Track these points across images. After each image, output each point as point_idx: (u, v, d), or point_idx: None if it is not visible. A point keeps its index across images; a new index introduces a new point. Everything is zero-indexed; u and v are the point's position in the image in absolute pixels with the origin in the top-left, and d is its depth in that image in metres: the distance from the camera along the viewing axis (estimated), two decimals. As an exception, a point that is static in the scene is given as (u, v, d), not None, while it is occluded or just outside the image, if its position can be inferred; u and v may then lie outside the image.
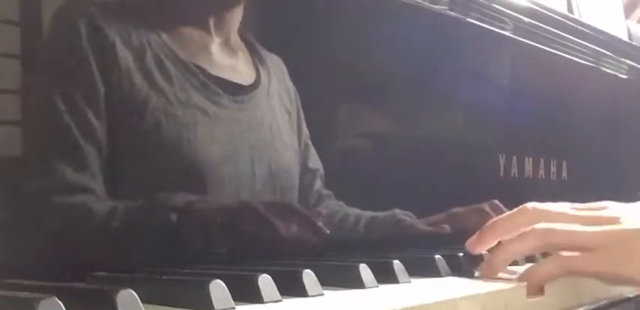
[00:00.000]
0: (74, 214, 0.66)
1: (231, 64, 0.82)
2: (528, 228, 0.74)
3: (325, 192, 0.88)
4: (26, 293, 0.48)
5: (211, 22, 0.80)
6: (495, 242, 0.77)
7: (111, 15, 0.70)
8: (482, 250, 0.78)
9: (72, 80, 0.67)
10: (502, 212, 0.92)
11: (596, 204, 0.79)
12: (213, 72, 0.78)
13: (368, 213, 0.92)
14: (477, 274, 0.75)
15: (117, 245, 0.68)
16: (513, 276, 0.73)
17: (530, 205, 0.77)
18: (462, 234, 0.85)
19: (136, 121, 0.70)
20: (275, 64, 0.85)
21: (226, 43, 0.82)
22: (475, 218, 1.02)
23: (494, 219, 0.78)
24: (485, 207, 1.05)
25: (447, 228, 1.00)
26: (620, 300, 0.85)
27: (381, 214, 0.93)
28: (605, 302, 0.82)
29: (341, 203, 0.89)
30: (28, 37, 0.63)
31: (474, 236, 0.78)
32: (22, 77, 0.63)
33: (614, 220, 0.73)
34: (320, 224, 0.82)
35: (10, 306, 0.45)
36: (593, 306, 0.78)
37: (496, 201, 1.05)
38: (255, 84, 0.83)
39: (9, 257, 0.60)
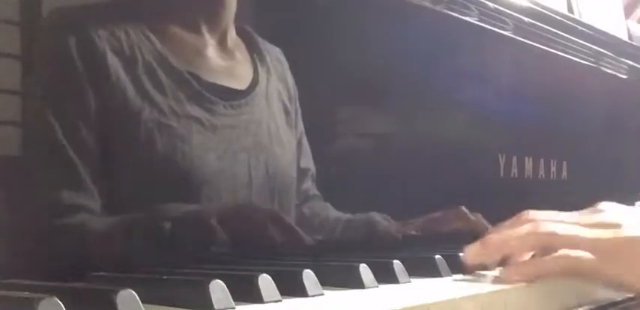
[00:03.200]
0: (70, 231, 0.65)
1: (227, 67, 0.80)
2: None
3: (313, 192, 0.86)
4: (26, 293, 0.48)
5: (203, 22, 0.78)
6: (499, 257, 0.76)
7: (100, 23, 0.68)
8: (484, 262, 0.75)
9: (63, 95, 0.66)
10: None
11: (593, 208, 0.78)
12: (208, 78, 0.76)
13: (346, 216, 0.90)
14: (466, 258, 0.74)
15: (115, 255, 0.67)
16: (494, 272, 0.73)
17: (531, 217, 0.75)
18: (461, 234, 0.85)
19: (130, 134, 0.69)
20: (275, 56, 0.83)
21: (222, 44, 0.80)
22: (453, 221, 1.02)
23: (498, 234, 0.74)
24: (462, 209, 1.04)
25: (421, 231, 0.99)
26: (622, 300, 0.85)
27: (357, 217, 0.91)
28: (606, 302, 0.82)
29: (328, 204, 0.88)
30: (28, 37, 0.63)
31: (476, 248, 0.74)
32: (22, 77, 0.63)
33: (616, 226, 0.73)
34: (300, 232, 0.81)
35: (10, 306, 0.45)
36: (593, 306, 0.78)
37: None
38: (253, 86, 0.81)
39: (9, 257, 0.60)
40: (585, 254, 0.70)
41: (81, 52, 0.66)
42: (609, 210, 0.76)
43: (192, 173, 0.72)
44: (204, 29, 0.78)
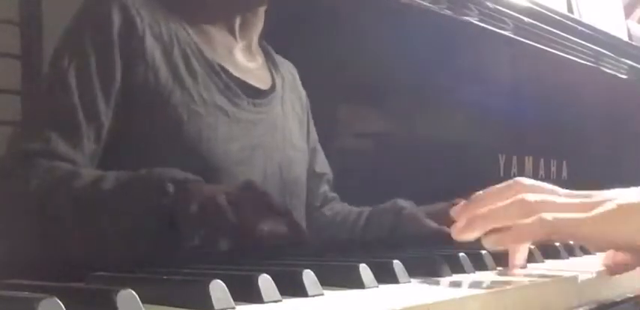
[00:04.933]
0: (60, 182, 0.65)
1: (251, 68, 0.83)
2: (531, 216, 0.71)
3: (331, 195, 0.89)
4: (26, 293, 0.48)
5: (237, 25, 0.82)
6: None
7: (144, 5, 0.72)
8: (470, 238, 0.74)
9: (91, 63, 0.67)
10: None
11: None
12: (236, 74, 0.80)
13: (366, 209, 0.93)
14: (454, 235, 0.74)
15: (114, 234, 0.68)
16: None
17: (520, 185, 0.75)
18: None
19: (157, 115, 0.72)
20: (288, 70, 0.87)
21: (248, 48, 0.84)
22: None
23: (485, 208, 0.73)
24: None
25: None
26: (622, 300, 0.85)
27: (382, 205, 0.94)
28: (606, 302, 0.82)
29: (345, 204, 0.90)
30: (28, 37, 0.63)
31: (462, 224, 0.74)
32: (22, 77, 0.63)
33: (601, 196, 0.73)
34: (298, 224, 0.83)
35: (10, 306, 0.45)
36: (593, 306, 0.78)
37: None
38: (272, 89, 0.85)
39: (9, 257, 0.60)
40: (565, 216, 0.69)
41: (121, 32, 0.69)
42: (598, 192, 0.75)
43: (212, 160, 0.75)
44: (236, 31, 0.82)
